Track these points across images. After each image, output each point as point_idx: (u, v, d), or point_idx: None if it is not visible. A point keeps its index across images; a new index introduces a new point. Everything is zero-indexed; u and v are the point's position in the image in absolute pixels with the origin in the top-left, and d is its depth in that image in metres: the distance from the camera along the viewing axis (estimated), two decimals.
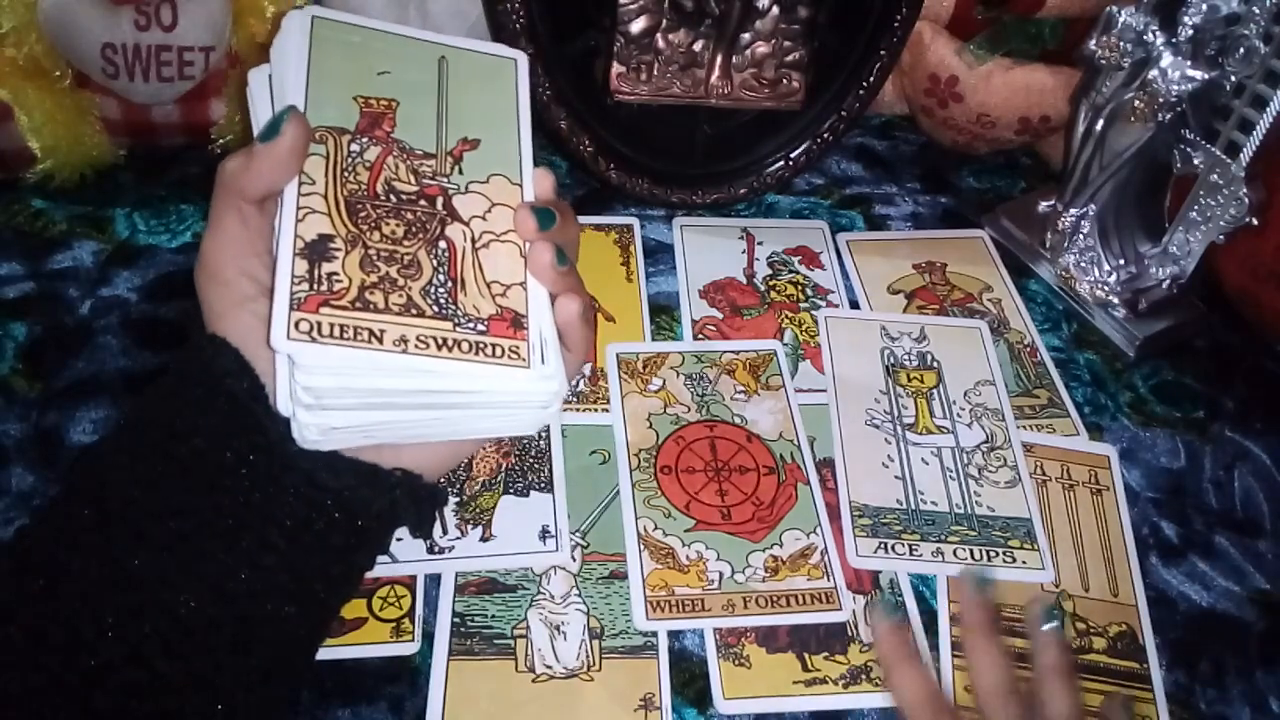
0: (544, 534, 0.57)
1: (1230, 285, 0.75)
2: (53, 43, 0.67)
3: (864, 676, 0.54)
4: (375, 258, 0.39)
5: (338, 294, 0.37)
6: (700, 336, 0.70)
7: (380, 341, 0.37)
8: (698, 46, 0.73)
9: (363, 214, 0.39)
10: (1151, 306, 0.73)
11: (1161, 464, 0.67)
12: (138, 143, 0.75)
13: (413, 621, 0.53)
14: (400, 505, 0.40)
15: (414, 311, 0.38)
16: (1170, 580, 0.61)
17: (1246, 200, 0.65)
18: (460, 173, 0.43)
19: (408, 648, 0.53)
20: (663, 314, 0.71)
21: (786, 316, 0.72)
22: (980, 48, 0.80)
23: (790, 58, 0.74)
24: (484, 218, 0.42)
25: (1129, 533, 0.62)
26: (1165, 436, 0.68)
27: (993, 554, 0.60)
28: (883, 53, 0.75)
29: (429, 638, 0.53)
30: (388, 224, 0.40)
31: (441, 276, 0.39)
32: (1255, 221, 0.66)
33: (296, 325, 0.36)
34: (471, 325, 0.39)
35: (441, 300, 0.39)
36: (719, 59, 0.73)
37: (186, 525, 0.37)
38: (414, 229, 0.40)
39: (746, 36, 0.73)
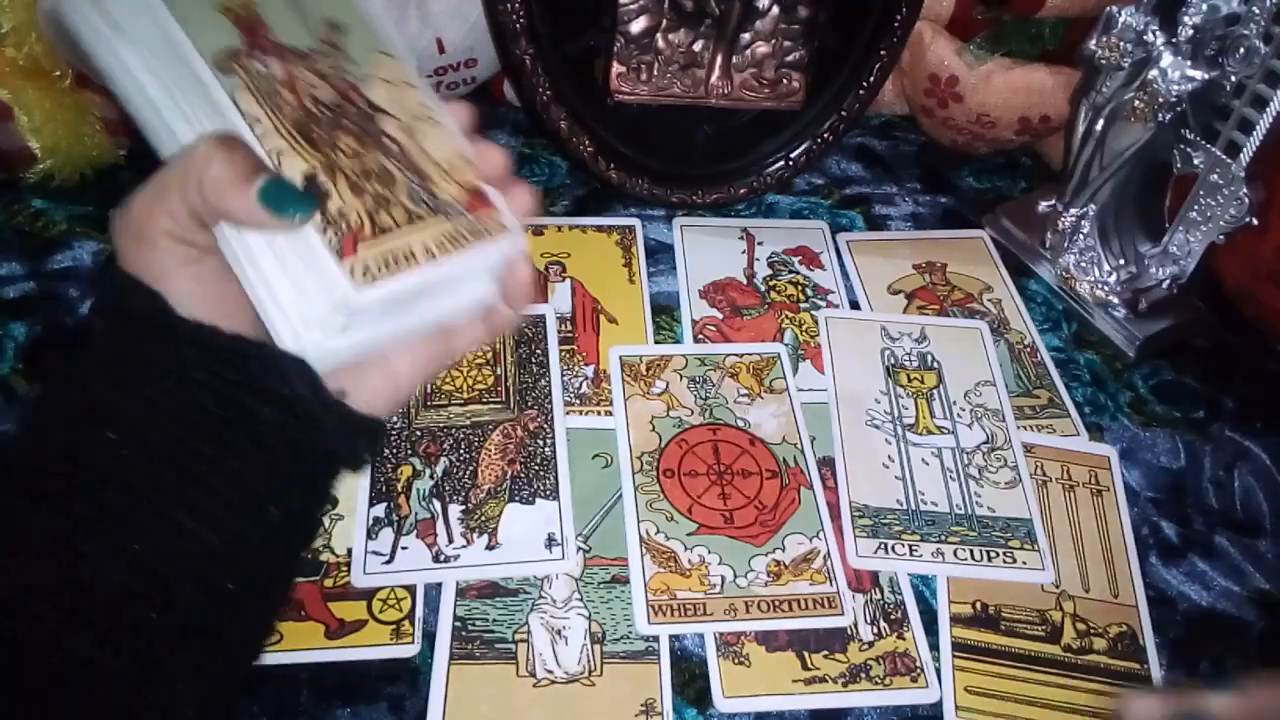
0: (550, 542, 0.57)
1: (1230, 285, 0.75)
2: (53, 43, 0.67)
3: (863, 675, 0.54)
4: (356, 179, 0.37)
5: (358, 229, 0.36)
6: (700, 337, 0.70)
7: (416, 259, 0.36)
8: (698, 46, 0.72)
9: (315, 136, 0.37)
10: (1151, 306, 0.73)
11: (1161, 464, 0.67)
12: (138, 143, 0.74)
13: (413, 624, 0.53)
14: (329, 429, 0.38)
15: (416, 219, 0.37)
16: (1170, 580, 0.61)
17: (1246, 200, 0.65)
18: (352, 61, 0.40)
19: (407, 650, 0.53)
20: (663, 314, 0.71)
21: (787, 317, 0.72)
22: (980, 48, 0.80)
23: (790, 58, 0.74)
24: (398, 101, 0.40)
25: (1129, 533, 0.62)
26: (1165, 436, 0.68)
27: (993, 554, 0.60)
28: (883, 53, 0.75)
29: (429, 638, 0.53)
30: (341, 140, 0.38)
31: (410, 176, 0.39)
32: (1255, 221, 0.66)
33: (353, 272, 0.35)
34: (459, 212, 0.39)
35: (427, 200, 0.38)
36: (719, 59, 0.73)
37: (90, 483, 0.34)
38: (361, 137, 0.38)
39: (746, 36, 0.73)
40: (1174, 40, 0.65)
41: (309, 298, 0.35)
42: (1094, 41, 0.68)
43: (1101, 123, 0.71)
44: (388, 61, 0.41)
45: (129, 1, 0.37)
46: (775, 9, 0.72)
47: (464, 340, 0.42)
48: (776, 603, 0.56)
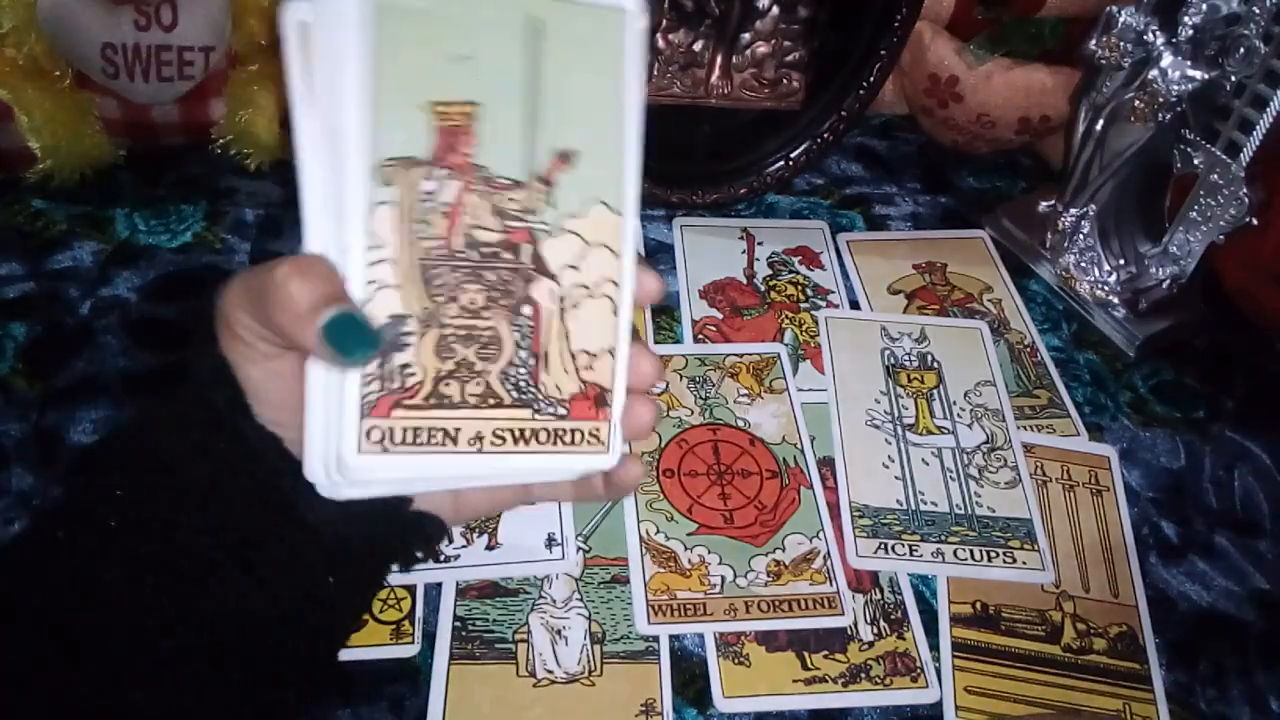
0: (550, 542, 0.57)
1: (1230, 285, 0.75)
2: (53, 43, 0.67)
3: (863, 675, 0.54)
4: (452, 339, 0.33)
5: (411, 391, 0.33)
6: (700, 337, 0.70)
7: (455, 442, 0.33)
8: (698, 46, 0.73)
9: (439, 282, 0.33)
10: (1151, 306, 0.73)
11: (1161, 464, 0.67)
12: (138, 143, 0.75)
13: (412, 624, 0.53)
14: (379, 536, 0.37)
15: (491, 402, 0.34)
16: (1170, 580, 0.61)
17: (1246, 200, 0.65)
18: (551, 205, 0.34)
19: (407, 650, 0.53)
20: (663, 314, 0.71)
21: (786, 317, 0.72)
22: (980, 48, 0.80)
23: (790, 58, 0.74)
24: (575, 267, 0.35)
25: (1129, 533, 0.62)
26: (1165, 436, 0.68)
27: (993, 554, 0.60)
28: (883, 53, 0.74)
29: (429, 638, 0.53)
30: (466, 292, 0.33)
31: (523, 354, 0.34)
32: (1255, 221, 0.66)
33: (369, 435, 0.32)
34: (552, 410, 0.35)
35: (521, 384, 0.34)
36: (719, 59, 0.73)
37: (158, 537, 0.34)
38: (495, 294, 0.34)
39: (746, 36, 0.73)
40: (1174, 40, 0.65)
41: (326, 439, 0.33)
42: (1094, 41, 0.68)
43: (1101, 123, 0.71)
44: (600, 215, 0.35)
45: (333, 64, 0.31)
46: (775, 9, 0.72)
47: (543, 495, 0.40)
48: (776, 603, 0.56)
